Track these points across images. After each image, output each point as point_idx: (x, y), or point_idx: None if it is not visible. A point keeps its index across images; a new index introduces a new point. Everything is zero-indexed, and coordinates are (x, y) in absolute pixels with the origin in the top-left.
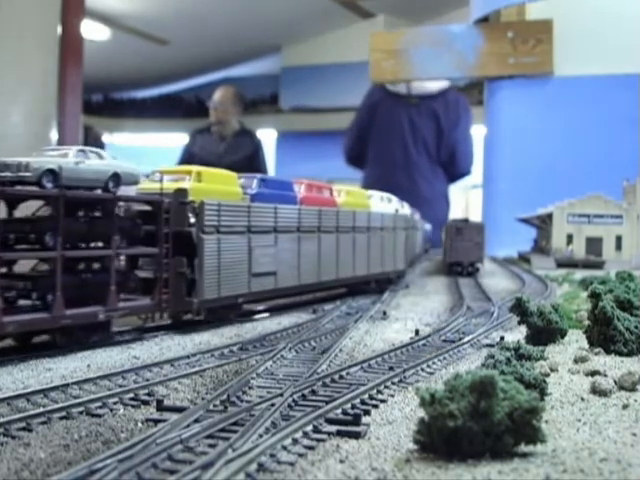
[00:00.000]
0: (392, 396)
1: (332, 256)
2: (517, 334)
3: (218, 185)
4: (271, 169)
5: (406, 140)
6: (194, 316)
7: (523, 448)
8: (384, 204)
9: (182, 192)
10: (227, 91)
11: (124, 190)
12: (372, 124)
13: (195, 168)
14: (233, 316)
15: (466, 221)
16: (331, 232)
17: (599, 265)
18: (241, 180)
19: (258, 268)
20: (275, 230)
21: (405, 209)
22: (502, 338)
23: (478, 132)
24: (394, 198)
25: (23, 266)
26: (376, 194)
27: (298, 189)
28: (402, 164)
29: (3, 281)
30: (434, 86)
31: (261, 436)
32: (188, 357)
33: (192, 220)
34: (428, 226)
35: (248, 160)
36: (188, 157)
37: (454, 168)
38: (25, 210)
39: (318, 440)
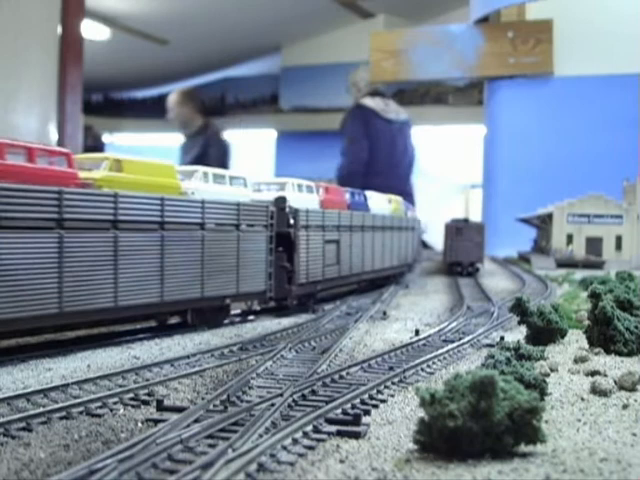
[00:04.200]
0: (392, 396)
1: (48, 272)
2: (517, 334)
3: None
4: (271, 169)
5: None
6: None
7: (523, 448)
8: (226, 188)
9: None
10: (175, 94)
11: None
12: None
13: None
14: None
15: (466, 221)
16: (43, 228)
17: (599, 265)
18: None
19: None
20: None
21: (376, 200)
22: (502, 338)
23: (479, 132)
24: (288, 181)
25: None
26: (207, 170)
27: None
28: None
29: None
30: None
31: (261, 436)
32: (188, 357)
33: None
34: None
35: (198, 161)
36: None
37: None
38: None
39: (318, 440)
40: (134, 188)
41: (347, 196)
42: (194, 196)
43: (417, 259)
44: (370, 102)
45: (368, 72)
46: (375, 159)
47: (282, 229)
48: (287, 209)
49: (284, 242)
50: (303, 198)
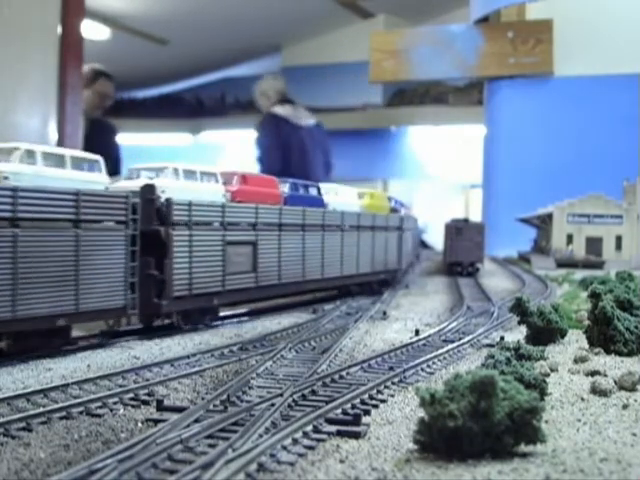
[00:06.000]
0: (392, 396)
1: None
2: (517, 334)
3: None
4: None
5: None
6: None
7: (523, 448)
8: (66, 172)
9: None
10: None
11: None
12: None
13: None
14: None
15: (466, 221)
16: None
17: (599, 265)
18: None
19: None
20: None
21: (337, 194)
22: (502, 338)
23: (479, 132)
24: (169, 166)
25: None
26: (33, 148)
27: None
28: None
29: None
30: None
31: (261, 436)
32: (188, 357)
33: None
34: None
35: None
36: None
37: None
38: None
39: (318, 440)
40: None
41: (284, 188)
42: (8, 182)
43: (414, 262)
44: (280, 110)
45: (277, 80)
46: (288, 165)
47: (150, 227)
48: (159, 201)
49: (155, 244)
50: (195, 188)
